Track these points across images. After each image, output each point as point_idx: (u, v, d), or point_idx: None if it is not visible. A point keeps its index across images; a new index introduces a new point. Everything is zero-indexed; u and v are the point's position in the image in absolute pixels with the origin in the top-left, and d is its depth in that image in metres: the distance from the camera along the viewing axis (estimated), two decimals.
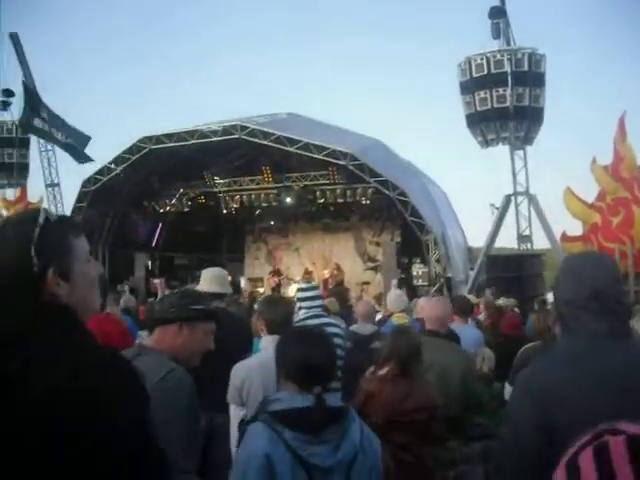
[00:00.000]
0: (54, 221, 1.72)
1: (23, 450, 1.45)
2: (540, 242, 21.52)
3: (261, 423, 2.48)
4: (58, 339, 1.58)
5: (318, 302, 5.57)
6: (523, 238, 21.75)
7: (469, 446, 4.63)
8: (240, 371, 3.89)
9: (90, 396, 1.51)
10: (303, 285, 6.01)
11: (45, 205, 26.45)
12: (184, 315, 3.01)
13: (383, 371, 4.20)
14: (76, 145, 23.90)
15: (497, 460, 2.39)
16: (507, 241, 23.75)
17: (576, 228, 20.60)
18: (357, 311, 7.09)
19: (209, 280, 5.43)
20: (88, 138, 24.49)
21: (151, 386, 2.40)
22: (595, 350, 2.18)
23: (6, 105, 25.98)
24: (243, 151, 25.28)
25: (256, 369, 3.68)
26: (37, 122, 23.02)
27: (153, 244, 29.07)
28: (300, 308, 5.49)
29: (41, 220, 1.68)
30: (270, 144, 22.25)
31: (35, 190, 27.65)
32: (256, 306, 8.35)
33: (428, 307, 5.54)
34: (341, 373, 5.25)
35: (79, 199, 25.01)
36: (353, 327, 6.70)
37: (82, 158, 24.37)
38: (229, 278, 6.08)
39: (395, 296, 7.91)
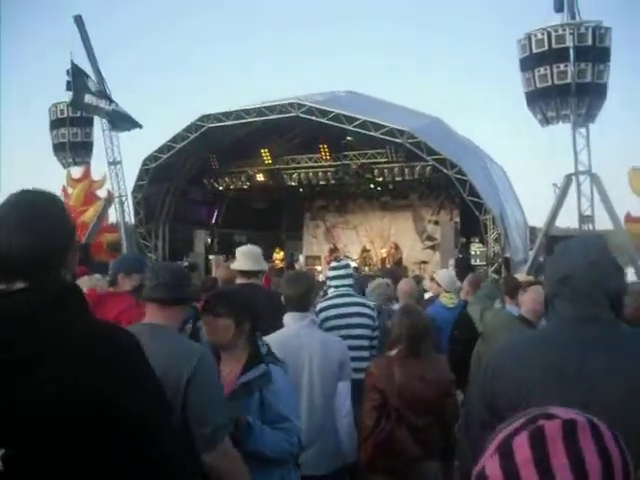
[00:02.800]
0: None
1: (46, 434, 1.49)
2: (602, 223, 20.93)
3: None
4: (73, 320, 1.63)
5: (348, 281, 5.53)
6: (585, 218, 21.18)
7: None
8: None
9: (105, 384, 1.55)
10: (334, 263, 5.96)
11: (108, 182, 27.02)
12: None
13: (393, 352, 4.16)
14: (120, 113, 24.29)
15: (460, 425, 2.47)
16: (568, 221, 23.20)
17: None
18: (399, 290, 7.02)
19: (244, 257, 5.46)
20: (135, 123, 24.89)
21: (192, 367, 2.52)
22: (552, 333, 2.19)
23: (70, 85, 26.42)
24: (301, 129, 25.29)
25: (276, 344, 3.66)
26: (88, 98, 23.40)
27: (212, 221, 29.41)
28: (329, 287, 5.46)
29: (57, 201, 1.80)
30: (327, 122, 22.18)
31: (98, 168, 28.16)
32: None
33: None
34: (369, 351, 5.24)
35: (140, 177, 25.45)
36: (395, 306, 6.64)
37: (128, 123, 24.73)
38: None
39: (445, 275, 7.81)
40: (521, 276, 10.15)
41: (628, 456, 1.06)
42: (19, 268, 1.62)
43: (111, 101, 23.94)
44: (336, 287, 5.43)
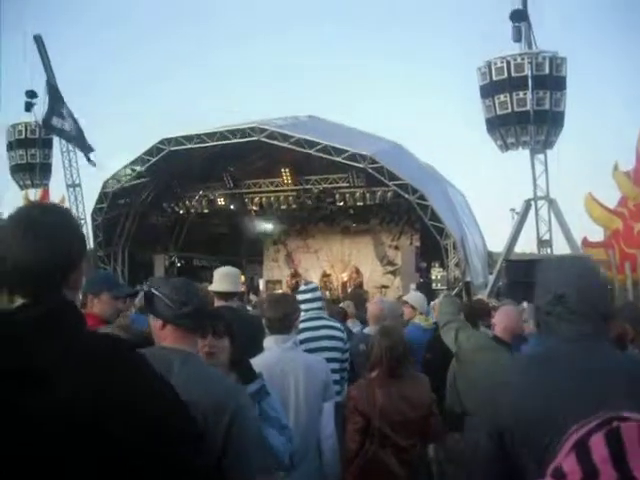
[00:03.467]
0: None
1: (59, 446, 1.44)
2: (560, 247, 21.29)
3: None
4: (76, 335, 1.59)
5: (317, 304, 5.52)
6: (543, 243, 21.55)
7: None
8: None
9: (119, 396, 1.52)
10: (302, 287, 5.95)
11: (67, 205, 26.67)
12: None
13: (374, 374, 4.15)
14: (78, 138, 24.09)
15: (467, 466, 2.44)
16: (527, 246, 23.56)
17: (596, 233, 20.42)
18: (368, 312, 7.03)
19: (221, 279, 5.41)
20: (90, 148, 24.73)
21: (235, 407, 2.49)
22: (549, 355, 2.19)
23: (30, 106, 26.16)
24: (262, 153, 25.31)
25: (259, 368, 3.63)
26: (55, 121, 23.17)
27: (172, 245, 29.18)
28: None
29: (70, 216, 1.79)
30: (289, 146, 22.26)
31: (57, 190, 27.83)
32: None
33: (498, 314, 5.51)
34: (339, 374, 5.23)
35: (99, 200, 25.19)
36: (366, 329, 6.65)
37: (86, 148, 24.52)
38: (242, 278, 6.05)
39: (419, 297, 7.87)
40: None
41: None
42: (22, 285, 1.59)
43: (76, 123, 23.75)
44: (305, 311, 5.41)
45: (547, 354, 2.23)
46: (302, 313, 5.47)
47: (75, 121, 23.77)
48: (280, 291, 26.40)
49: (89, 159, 24.47)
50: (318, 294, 5.76)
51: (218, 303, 5.32)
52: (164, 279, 24.78)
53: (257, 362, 3.82)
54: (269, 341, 4.09)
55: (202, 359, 2.78)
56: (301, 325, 5.23)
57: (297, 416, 3.84)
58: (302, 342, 5.05)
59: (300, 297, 5.61)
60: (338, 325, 5.59)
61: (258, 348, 4.18)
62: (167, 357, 2.44)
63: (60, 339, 1.54)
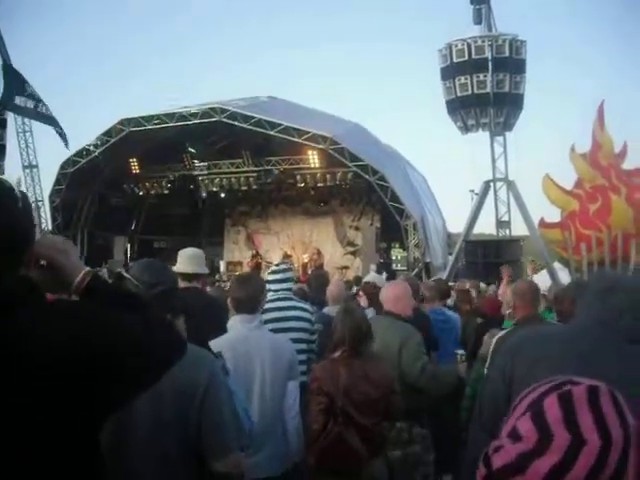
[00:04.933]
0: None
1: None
2: (519, 228, 21.62)
3: None
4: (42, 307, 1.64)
5: (287, 285, 5.55)
6: (502, 224, 21.85)
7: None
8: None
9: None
10: (274, 267, 5.97)
11: (23, 187, 26.22)
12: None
13: (337, 353, 4.19)
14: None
15: (479, 406, 2.55)
16: (486, 227, 23.85)
17: (554, 215, 20.71)
18: (328, 293, 7.05)
19: (186, 260, 5.40)
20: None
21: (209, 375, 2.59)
22: (577, 331, 2.33)
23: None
24: (223, 134, 25.17)
25: (225, 347, 3.64)
26: (19, 100, 22.59)
27: (132, 227, 28.93)
28: (269, 290, 5.47)
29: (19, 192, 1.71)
30: (250, 127, 22.16)
31: (13, 171, 27.37)
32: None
33: (385, 289, 5.56)
34: (307, 355, 5.28)
35: (57, 181, 24.87)
36: (325, 309, 6.69)
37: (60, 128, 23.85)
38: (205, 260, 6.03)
39: (381, 278, 7.95)
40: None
41: None
42: None
43: (40, 102, 23.08)
44: (275, 291, 5.43)
45: (567, 329, 2.34)
46: (271, 293, 5.51)
47: (41, 101, 23.09)
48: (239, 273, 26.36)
49: (65, 141, 23.76)
50: (289, 275, 5.79)
51: (182, 284, 5.31)
52: (122, 261, 24.60)
53: (221, 341, 3.84)
54: (234, 320, 4.10)
55: None
56: (270, 305, 5.26)
57: (262, 396, 3.86)
58: (270, 322, 5.08)
59: (270, 277, 5.63)
60: (307, 307, 5.61)
61: (221, 328, 4.19)
62: None
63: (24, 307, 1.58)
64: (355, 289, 10.18)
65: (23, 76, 22.87)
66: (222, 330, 4.16)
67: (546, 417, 1.16)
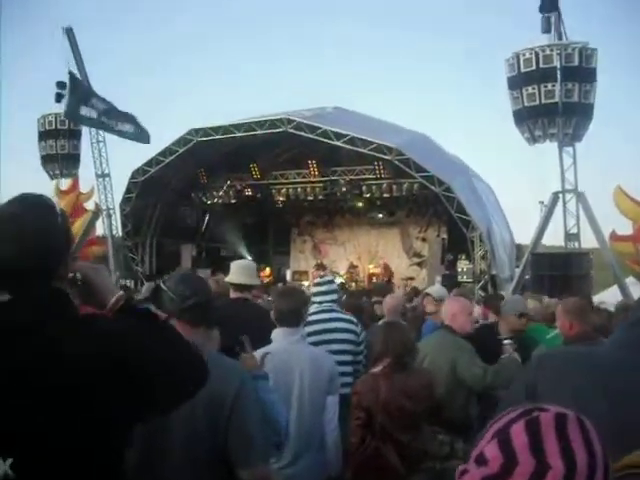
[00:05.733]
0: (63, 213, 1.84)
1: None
2: (588, 241, 21.08)
3: None
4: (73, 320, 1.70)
5: (331, 297, 5.57)
6: (571, 236, 21.31)
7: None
8: None
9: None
10: (318, 279, 6.01)
11: (95, 195, 26.95)
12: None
13: (378, 368, 4.17)
14: (131, 128, 23.71)
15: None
16: (555, 239, 23.34)
17: (626, 227, 20.20)
18: (385, 306, 7.04)
19: (237, 271, 5.48)
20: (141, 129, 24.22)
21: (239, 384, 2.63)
22: (608, 351, 2.22)
23: (60, 97, 26.35)
24: (289, 144, 25.34)
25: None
26: (85, 111, 23.13)
27: (199, 235, 29.36)
28: (313, 302, 5.50)
29: (59, 210, 1.82)
30: (316, 137, 22.27)
31: (86, 181, 28.10)
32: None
33: (444, 305, 5.51)
34: (352, 367, 5.27)
35: (128, 190, 25.43)
36: (380, 322, 6.66)
37: (142, 137, 24.12)
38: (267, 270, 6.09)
39: (442, 290, 7.89)
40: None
41: (607, 451, 1.18)
42: (7, 279, 1.65)
43: (107, 112, 23.54)
44: (320, 303, 5.45)
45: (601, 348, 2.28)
46: (316, 305, 5.53)
47: (108, 111, 23.49)
48: (306, 283, 26.47)
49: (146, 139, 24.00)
50: (334, 286, 5.82)
51: (234, 295, 5.39)
52: (189, 269, 24.95)
53: (261, 353, 3.86)
54: (276, 333, 4.12)
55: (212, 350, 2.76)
56: (314, 317, 5.28)
57: (300, 408, 3.88)
58: (314, 334, 5.11)
59: (315, 289, 5.67)
60: (352, 318, 5.61)
61: (267, 340, 4.21)
62: None
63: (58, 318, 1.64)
64: (415, 301, 10.14)
65: (91, 87, 23.46)
66: (268, 341, 4.19)
67: (512, 443, 1.16)
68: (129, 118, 23.14)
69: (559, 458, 1.13)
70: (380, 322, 6.68)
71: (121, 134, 23.40)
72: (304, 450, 3.82)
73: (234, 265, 5.63)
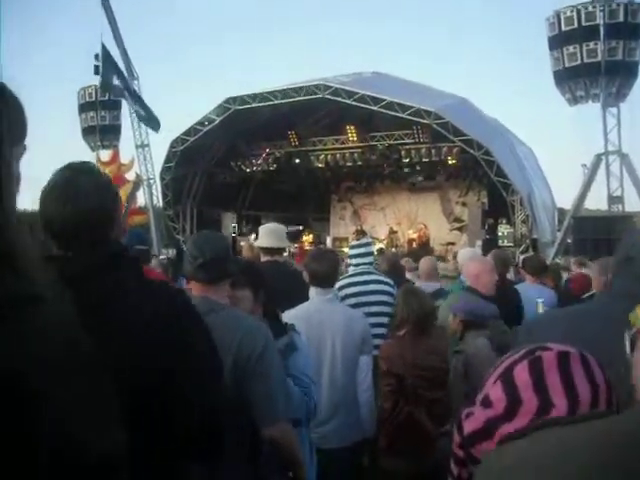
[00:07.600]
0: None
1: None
2: (632, 204, 20.68)
3: None
4: (126, 279, 1.78)
5: (368, 259, 5.54)
6: (614, 199, 20.94)
7: None
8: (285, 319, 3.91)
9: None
10: (354, 242, 5.99)
11: (136, 165, 27.20)
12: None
13: (401, 332, 4.18)
14: (141, 111, 23.99)
15: None
16: (597, 202, 22.97)
17: None
18: (420, 268, 7.02)
19: (265, 235, 5.51)
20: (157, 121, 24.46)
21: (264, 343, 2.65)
22: (598, 306, 2.22)
23: (98, 69, 26.55)
24: (327, 110, 25.26)
25: (300, 318, 3.71)
26: (117, 82, 23.31)
27: (239, 203, 29.51)
28: (349, 265, 5.49)
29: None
30: (353, 103, 22.14)
31: (127, 151, 28.37)
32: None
33: (466, 266, 5.42)
34: (388, 328, 5.26)
35: (167, 159, 25.64)
36: (416, 285, 6.64)
37: (151, 123, 24.43)
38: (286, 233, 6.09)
39: (469, 252, 7.82)
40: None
41: (611, 384, 1.20)
42: (70, 235, 1.75)
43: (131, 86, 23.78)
44: (356, 265, 5.45)
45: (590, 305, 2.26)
46: (352, 268, 5.54)
47: (131, 86, 23.65)
48: (346, 249, 26.41)
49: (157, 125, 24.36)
50: (370, 249, 5.80)
51: (264, 258, 5.42)
52: (230, 237, 25.12)
53: (297, 312, 3.90)
54: (311, 292, 4.15)
55: (226, 307, 2.76)
56: (350, 280, 5.30)
57: (333, 367, 3.90)
58: (351, 296, 5.12)
59: (352, 252, 5.66)
60: (388, 280, 5.60)
61: (299, 300, 4.24)
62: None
63: (105, 286, 1.71)
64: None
65: (114, 60, 23.57)
66: (301, 301, 4.21)
67: (516, 383, 1.18)
68: (141, 102, 23.46)
69: (563, 395, 1.14)
70: (417, 283, 6.67)
71: (137, 114, 23.78)
72: (337, 410, 3.85)
73: (262, 229, 5.65)
